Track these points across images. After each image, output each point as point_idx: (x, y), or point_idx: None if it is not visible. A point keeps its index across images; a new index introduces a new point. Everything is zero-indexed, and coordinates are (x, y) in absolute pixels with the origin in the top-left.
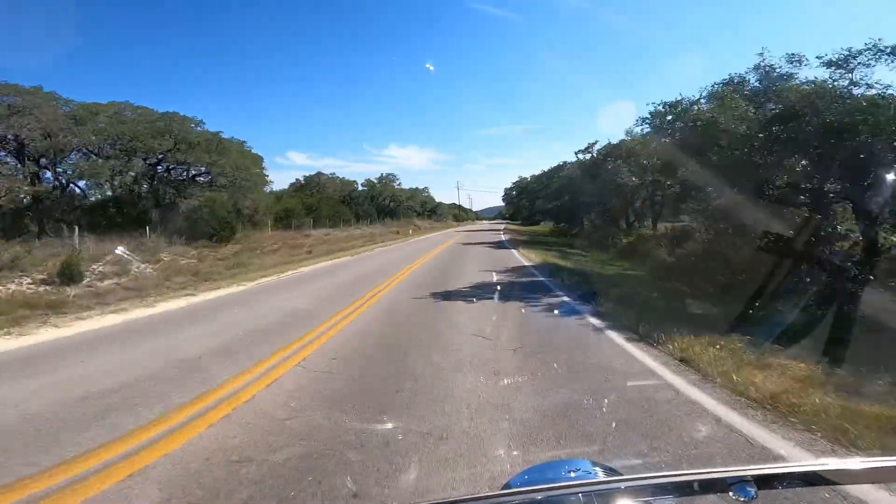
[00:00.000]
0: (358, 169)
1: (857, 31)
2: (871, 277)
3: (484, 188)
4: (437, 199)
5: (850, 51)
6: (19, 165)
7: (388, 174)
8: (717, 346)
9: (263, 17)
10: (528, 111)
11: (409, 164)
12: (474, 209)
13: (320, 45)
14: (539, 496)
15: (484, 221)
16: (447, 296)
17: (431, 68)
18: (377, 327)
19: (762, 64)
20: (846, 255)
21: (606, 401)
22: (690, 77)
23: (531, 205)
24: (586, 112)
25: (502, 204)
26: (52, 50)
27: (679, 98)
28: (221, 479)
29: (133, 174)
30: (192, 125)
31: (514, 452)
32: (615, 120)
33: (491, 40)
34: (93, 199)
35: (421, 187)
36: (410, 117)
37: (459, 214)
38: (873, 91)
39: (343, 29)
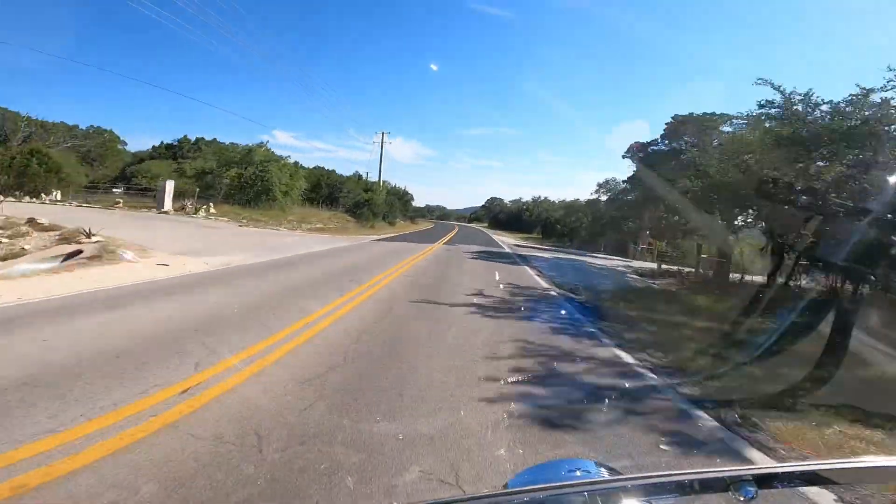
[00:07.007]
0: (343, 155)
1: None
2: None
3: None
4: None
5: None
6: None
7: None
8: None
9: None
10: (519, 117)
11: (396, 155)
12: (449, 207)
13: (311, 25)
14: (540, 495)
15: (426, 225)
16: None
17: (435, 68)
18: None
19: None
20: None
21: None
22: (712, 98)
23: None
24: (582, 123)
25: (478, 205)
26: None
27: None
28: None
29: None
30: None
31: None
32: (624, 138)
33: (490, 40)
34: None
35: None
36: (401, 107)
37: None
38: None
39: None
